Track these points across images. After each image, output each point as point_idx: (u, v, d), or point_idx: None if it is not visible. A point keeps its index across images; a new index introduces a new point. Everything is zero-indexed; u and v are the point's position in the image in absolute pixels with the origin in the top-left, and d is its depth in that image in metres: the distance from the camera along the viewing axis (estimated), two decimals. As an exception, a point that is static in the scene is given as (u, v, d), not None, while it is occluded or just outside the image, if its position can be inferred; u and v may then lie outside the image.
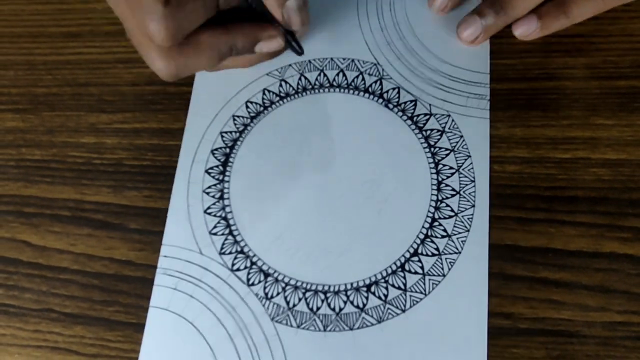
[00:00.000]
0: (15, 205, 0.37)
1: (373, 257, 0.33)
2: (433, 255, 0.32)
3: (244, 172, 0.36)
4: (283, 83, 0.38)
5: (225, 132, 0.37)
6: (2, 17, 0.42)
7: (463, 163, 0.34)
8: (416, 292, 0.32)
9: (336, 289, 0.32)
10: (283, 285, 0.33)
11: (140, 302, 0.33)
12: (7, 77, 0.41)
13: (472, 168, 0.34)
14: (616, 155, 0.34)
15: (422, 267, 0.32)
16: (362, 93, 0.37)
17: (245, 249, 0.34)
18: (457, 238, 0.33)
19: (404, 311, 0.31)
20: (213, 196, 0.35)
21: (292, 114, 0.37)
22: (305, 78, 0.37)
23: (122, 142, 0.37)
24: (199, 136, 0.37)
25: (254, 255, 0.34)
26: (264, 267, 0.33)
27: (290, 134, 0.36)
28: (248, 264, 0.33)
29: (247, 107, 0.37)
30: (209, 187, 0.35)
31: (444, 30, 0.37)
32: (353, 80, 0.37)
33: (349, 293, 0.32)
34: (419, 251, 0.33)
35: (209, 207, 0.35)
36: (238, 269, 0.33)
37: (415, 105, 0.36)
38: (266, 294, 0.33)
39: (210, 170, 0.36)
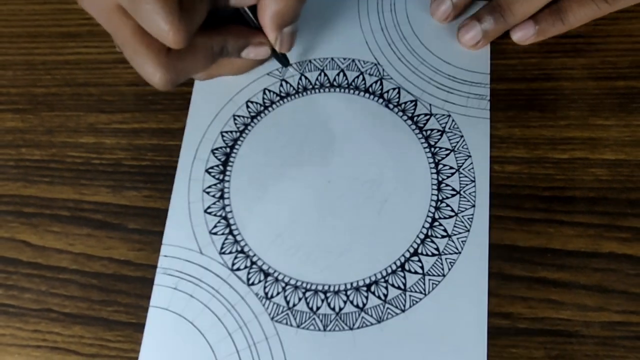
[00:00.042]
0: (15, 205, 0.37)
1: (373, 257, 0.33)
2: (433, 255, 0.32)
3: (244, 172, 0.36)
4: (283, 83, 0.38)
5: (226, 132, 0.37)
6: (1, 17, 0.42)
7: (463, 163, 0.34)
8: (416, 292, 0.32)
9: (336, 288, 0.32)
10: (283, 284, 0.33)
11: (140, 302, 0.33)
12: (6, 77, 0.40)
13: (473, 168, 0.34)
14: (615, 155, 0.34)
15: (422, 267, 0.32)
16: (362, 93, 0.37)
17: (246, 249, 0.34)
18: (457, 238, 0.33)
19: (403, 311, 0.32)
20: (213, 195, 0.35)
21: (293, 113, 0.37)
22: (306, 78, 0.38)
23: (120, 142, 0.37)
24: (199, 135, 0.37)
25: (254, 255, 0.34)
26: (264, 267, 0.33)
27: (290, 133, 0.36)
28: (248, 264, 0.33)
29: (247, 106, 0.37)
30: (210, 187, 0.35)
31: (445, 30, 0.38)
32: (353, 80, 0.37)
33: (348, 293, 0.32)
34: (419, 251, 0.33)
35: (209, 207, 0.35)
36: (238, 269, 0.33)
37: (415, 105, 0.36)
38: (266, 294, 0.33)
39: (210, 170, 0.36)
